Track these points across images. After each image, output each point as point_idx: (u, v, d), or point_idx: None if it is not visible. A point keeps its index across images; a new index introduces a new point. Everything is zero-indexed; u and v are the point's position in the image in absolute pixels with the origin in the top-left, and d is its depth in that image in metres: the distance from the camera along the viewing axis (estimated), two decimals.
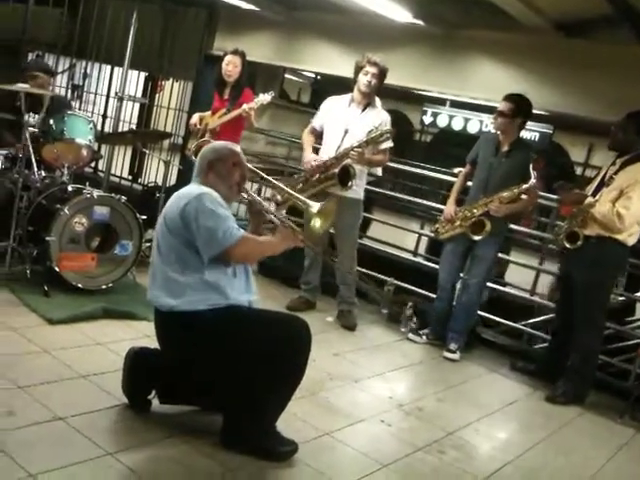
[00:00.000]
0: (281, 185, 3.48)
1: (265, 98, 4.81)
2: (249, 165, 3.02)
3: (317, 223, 2.99)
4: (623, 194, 3.90)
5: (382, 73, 4.55)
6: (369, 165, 4.73)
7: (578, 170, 11.20)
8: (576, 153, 11.22)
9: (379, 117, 4.60)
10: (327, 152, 4.60)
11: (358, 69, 4.57)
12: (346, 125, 4.55)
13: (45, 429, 2.54)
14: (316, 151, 4.75)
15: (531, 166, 4.31)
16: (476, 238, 4.43)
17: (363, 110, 4.62)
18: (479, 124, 9.56)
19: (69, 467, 2.32)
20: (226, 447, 2.64)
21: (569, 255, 4.21)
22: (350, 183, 4.44)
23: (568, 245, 4.09)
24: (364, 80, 4.53)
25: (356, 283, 4.95)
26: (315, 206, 2.98)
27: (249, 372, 2.57)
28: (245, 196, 2.96)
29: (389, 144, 4.64)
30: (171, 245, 2.68)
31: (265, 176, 3.36)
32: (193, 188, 2.76)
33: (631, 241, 4.01)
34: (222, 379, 2.66)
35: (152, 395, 2.83)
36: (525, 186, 4.30)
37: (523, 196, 4.41)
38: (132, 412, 2.81)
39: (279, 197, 4.05)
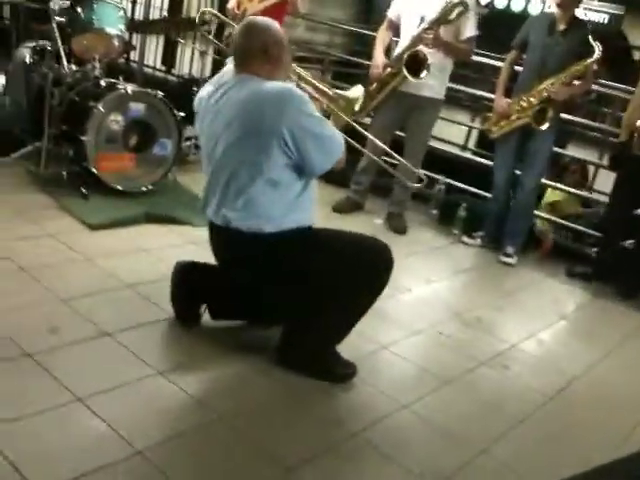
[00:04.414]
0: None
1: None
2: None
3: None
4: None
5: None
6: (449, 53, 4.15)
7: (637, 55, 10.41)
8: (637, 35, 10.38)
9: None
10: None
11: None
12: (422, 11, 4.05)
13: (91, 346, 2.41)
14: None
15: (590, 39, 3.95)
16: (543, 128, 4.05)
17: None
18: (541, 5, 8.70)
19: (117, 389, 2.19)
20: (283, 365, 2.48)
21: None
22: (424, 72, 3.97)
23: None
24: None
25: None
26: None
27: (324, 294, 2.35)
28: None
29: (474, 31, 4.12)
30: (253, 158, 2.25)
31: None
32: (271, 85, 2.25)
33: None
34: (294, 300, 2.45)
35: (203, 309, 2.66)
36: (591, 59, 3.94)
37: (575, 82, 4.07)
38: (182, 327, 2.65)
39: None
